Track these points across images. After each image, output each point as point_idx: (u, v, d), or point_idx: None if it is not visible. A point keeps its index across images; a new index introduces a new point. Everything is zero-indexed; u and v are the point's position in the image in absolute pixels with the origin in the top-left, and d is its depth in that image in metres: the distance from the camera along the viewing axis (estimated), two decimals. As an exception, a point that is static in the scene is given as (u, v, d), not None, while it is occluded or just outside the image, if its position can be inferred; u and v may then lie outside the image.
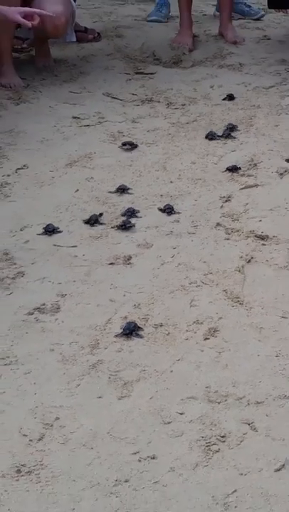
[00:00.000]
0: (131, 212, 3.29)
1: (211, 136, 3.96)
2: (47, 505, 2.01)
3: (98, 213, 3.27)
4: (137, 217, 3.28)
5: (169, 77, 4.74)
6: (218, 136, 3.97)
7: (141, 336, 2.58)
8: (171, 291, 2.84)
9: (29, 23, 4.03)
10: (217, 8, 5.66)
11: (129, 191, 3.50)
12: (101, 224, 3.23)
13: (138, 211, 3.31)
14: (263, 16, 5.73)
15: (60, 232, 3.21)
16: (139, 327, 2.60)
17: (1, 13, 4.03)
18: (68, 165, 3.75)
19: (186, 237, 3.17)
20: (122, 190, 3.49)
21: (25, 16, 4.01)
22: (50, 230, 3.20)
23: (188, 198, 3.45)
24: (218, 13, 5.53)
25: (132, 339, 2.60)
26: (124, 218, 3.26)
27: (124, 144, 3.85)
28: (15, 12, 4.01)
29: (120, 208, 3.37)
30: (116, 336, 2.58)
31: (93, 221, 3.23)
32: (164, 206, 3.33)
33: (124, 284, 2.89)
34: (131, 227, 3.20)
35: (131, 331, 2.58)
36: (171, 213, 3.29)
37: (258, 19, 5.73)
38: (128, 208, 3.31)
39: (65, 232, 3.21)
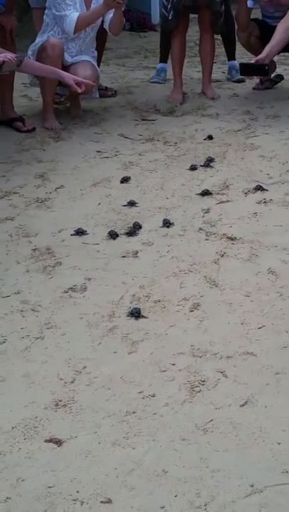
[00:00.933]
0: (138, 226, 3.23)
1: (193, 167, 3.92)
2: (77, 429, 2.01)
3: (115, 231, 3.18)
4: (141, 227, 3.22)
5: (165, 122, 4.73)
6: (201, 165, 3.95)
7: (144, 317, 2.53)
8: (166, 277, 2.83)
9: (79, 89, 4.09)
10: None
11: (137, 205, 3.48)
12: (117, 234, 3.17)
13: (141, 225, 3.24)
14: (241, 81, 5.65)
15: (87, 233, 3.20)
16: (142, 314, 2.55)
17: (61, 77, 4.13)
18: (93, 185, 3.74)
19: (177, 238, 3.16)
20: (132, 204, 3.47)
21: (76, 83, 4.10)
22: (80, 232, 3.20)
23: (179, 210, 3.44)
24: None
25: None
26: (131, 228, 3.21)
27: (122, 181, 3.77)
28: (70, 78, 4.08)
29: (130, 216, 3.36)
30: (126, 316, 2.54)
31: (114, 235, 3.15)
32: (164, 221, 3.28)
33: (132, 271, 2.88)
34: (136, 234, 3.17)
35: (137, 314, 2.53)
36: (169, 225, 3.25)
37: (236, 81, 5.69)
38: (135, 222, 3.25)
39: (91, 234, 3.20)
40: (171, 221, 3.27)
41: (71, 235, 3.19)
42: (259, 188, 3.60)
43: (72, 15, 4.36)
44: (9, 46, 4.25)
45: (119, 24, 4.58)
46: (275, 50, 4.62)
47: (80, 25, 4.39)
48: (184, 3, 4.88)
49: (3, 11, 4.00)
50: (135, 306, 2.56)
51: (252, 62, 4.65)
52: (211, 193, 3.55)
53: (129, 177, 3.78)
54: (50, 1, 4.45)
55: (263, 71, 4.65)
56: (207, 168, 3.93)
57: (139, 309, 2.54)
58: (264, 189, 3.59)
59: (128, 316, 2.53)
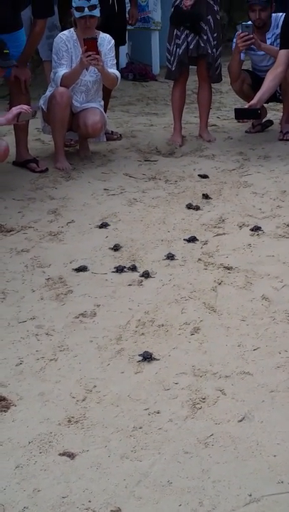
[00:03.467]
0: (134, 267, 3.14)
1: (189, 206, 3.89)
2: (88, 443, 2.02)
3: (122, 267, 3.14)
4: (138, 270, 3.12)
5: (166, 163, 4.76)
6: (198, 204, 3.91)
7: (156, 359, 2.42)
8: (169, 303, 2.85)
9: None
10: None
11: (140, 237, 3.49)
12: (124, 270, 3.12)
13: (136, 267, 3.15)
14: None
15: (87, 270, 3.15)
16: (153, 357, 2.44)
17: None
18: (101, 220, 3.76)
19: (179, 267, 3.18)
20: (116, 248, 3.35)
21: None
22: (81, 269, 3.13)
23: (179, 242, 3.46)
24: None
25: (144, 335, 2.61)
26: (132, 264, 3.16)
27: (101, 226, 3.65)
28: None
29: (135, 248, 3.37)
30: (138, 361, 2.41)
31: (120, 269, 3.13)
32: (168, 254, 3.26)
33: (138, 298, 2.90)
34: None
35: (149, 356, 2.43)
36: (173, 259, 3.23)
37: None
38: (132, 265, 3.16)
39: (99, 264, 3.22)
40: (173, 253, 3.30)
41: (73, 269, 3.13)
42: (256, 229, 3.53)
43: (60, 73, 4.42)
44: (23, 96, 4.33)
45: (107, 80, 4.55)
46: (265, 97, 4.72)
47: (65, 82, 4.40)
48: (190, 55, 4.98)
49: (14, 64, 4.08)
50: (146, 350, 2.46)
51: (245, 107, 4.75)
52: (197, 240, 3.45)
53: (107, 223, 3.67)
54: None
55: (255, 115, 4.76)
56: (205, 203, 3.96)
57: (151, 353, 2.44)
58: (259, 228, 3.54)
59: (141, 360, 2.42)
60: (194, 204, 3.92)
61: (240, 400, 2.20)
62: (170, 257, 3.25)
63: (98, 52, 4.29)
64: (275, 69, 4.74)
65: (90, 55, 4.26)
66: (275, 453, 1.96)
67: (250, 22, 5.02)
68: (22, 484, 1.86)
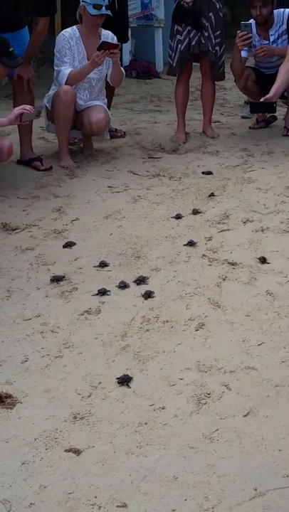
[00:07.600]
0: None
1: (177, 216, 3.68)
2: (94, 439, 2.02)
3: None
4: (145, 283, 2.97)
5: (170, 160, 4.76)
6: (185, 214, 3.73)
7: (129, 387, 2.25)
8: (174, 299, 2.85)
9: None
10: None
11: (145, 234, 3.49)
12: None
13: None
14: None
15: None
16: (131, 378, 2.29)
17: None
18: (105, 217, 3.76)
19: (183, 263, 3.18)
20: (103, 265, 3.15)
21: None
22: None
23: (183, 238, 3.45)
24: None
25: (149, 332, 2.60)
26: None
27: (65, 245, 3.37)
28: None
29: (139, 245, 3.37)
30: (117, 381, 2.27)
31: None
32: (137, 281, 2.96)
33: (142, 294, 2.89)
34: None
35: (127, 380, 2.28)
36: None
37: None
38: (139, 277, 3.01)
39: (104, 262, 3.21)
40: (178, 250, 3.29)
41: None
42: (263, 260, 3.16)
43: (65, 71, 4.41)
44: (26, 95, 4.34)
45: (118, 76, 4.57)
46: (280, 90, 4.65)
47: (72, 80, 4.41)
48: (192, 51, 4.97)
49: (22, 62, 4.08)
50: (125, 374, 2.31)
51: (261, 100, 4.68)
52: (195, 243, 3.35)
53: (73, 242, 3.39)
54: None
55: (271, 108, 4.68)
56: (209, 200, 3.95)
57: (129, 376, 2.30)
58: (266, 261, 3.15)
59: (119, 383, 2.27)
60: (181, 214, 3.72)
61: (245, 394, 2.20)
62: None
63: (116, 47, 4.35)
64: (288, 61, 4.69)
65: (112, 53, 4.30)
66: (280, 447, 1.96)
67: (249, 21, 5.02)
68: (28, 481, 1.86)
